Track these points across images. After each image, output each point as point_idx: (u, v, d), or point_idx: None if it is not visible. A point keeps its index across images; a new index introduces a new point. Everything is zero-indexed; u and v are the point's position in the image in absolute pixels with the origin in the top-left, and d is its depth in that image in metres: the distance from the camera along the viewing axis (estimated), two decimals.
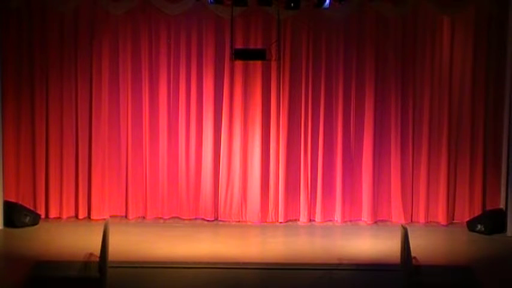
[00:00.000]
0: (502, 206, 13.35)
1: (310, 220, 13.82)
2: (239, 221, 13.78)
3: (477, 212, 13.65)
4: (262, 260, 11.57)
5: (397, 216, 13.74)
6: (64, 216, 13.72)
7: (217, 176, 13.79)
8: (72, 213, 13.77)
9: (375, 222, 13.76)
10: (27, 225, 13.15)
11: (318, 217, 13.79)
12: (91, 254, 11.07)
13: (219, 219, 13.80)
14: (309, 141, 13.71)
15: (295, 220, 13.83)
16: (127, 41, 13.57)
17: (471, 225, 13.35)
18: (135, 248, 12.06)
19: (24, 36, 13.39)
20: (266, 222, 13.74)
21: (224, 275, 10.85)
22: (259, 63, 13.46)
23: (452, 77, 13.62)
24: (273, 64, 13.46)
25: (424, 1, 13.30)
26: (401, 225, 10.60)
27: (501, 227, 13.18)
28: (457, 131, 13.71)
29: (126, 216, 13.80)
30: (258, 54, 12.82)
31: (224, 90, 13.67)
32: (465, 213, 13.74)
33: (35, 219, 13.32)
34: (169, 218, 13.80)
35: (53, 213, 13.71)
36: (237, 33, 13.32)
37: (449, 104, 13.63)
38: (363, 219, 13.82)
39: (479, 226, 13.21)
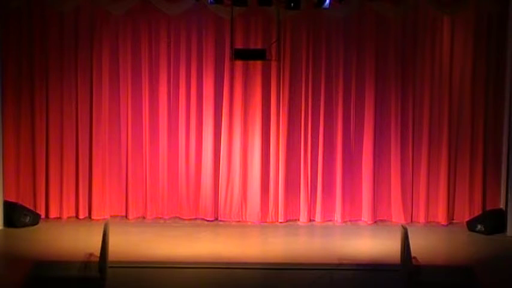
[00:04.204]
0: (502, 206, 13.35)
1: (310, 220, 13.82)
2: (239, 221, 13.77)
3: (477, 212, 13.64)
4: (262, 260, 11.56)
5: (397, 216, 13.74)
6: (64, 216, 13.71)
7: (217, 176, 13.79)
8: (73, 213, 13.76)
9: (375, 222, 13.75)
10: (27, 225, 13.15)
11: (318, 217, 13.79)
12: (91, 254, 11.07)
13: (219, 219, 13.80)
14: (309, 141, 13.71)
15: (295, 220, 13.83)
16: (127, 41, 13.57)
17: (471, 225, 13.35)
18: (135, 248, 12.05)
19: (24, 36, 13.39)
20: (266, 222, 13.74)
21: (224, 275, 10.84)
22: (259, 63, 13.46)
23: (452, 77, 13.62)
24: (273, 64, 13.45)
25: (424, 1, 13.30)
26: (402, 225, 10.62)
27: (501, 227, 13.19)
28: (457, 131, 13.70)
29: (126, 216, 13.80)
30: (258, 54, 12.81)
31: (224, 90, 13.67)
32: (465, 213, 13.73)
33: (35, 219, 13.32)
34: (169, 218, 13.80)
35: (53, 213, 13.70)
36: (237, 33, 13.31)
37: (449, 103, 13.63)
38: (362, 219, 13.82)
39: (479, 226, 13.21)
